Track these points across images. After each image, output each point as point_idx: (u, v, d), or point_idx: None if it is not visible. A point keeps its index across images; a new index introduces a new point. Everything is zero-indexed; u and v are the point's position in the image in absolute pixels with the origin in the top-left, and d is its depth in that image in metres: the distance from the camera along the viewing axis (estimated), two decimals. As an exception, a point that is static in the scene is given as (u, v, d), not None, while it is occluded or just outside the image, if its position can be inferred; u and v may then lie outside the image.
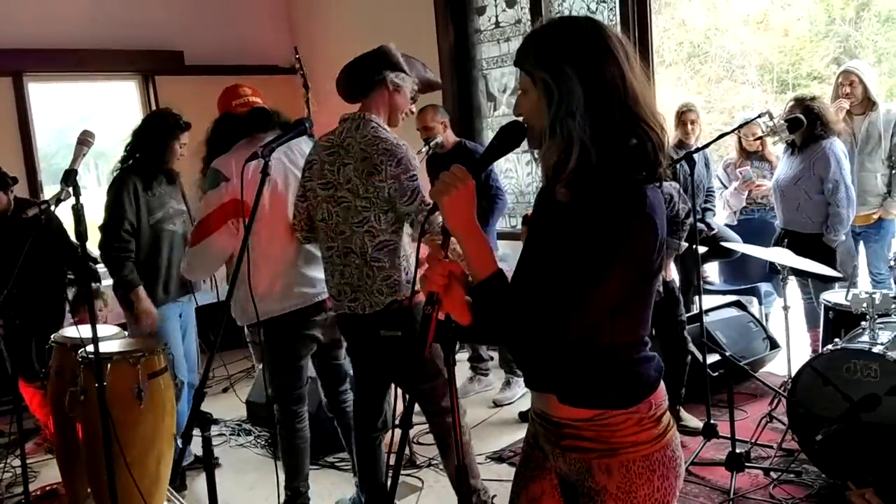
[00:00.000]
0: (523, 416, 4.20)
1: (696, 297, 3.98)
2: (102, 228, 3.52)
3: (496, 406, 4.42)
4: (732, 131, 3.68)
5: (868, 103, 4.42)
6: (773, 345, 4.45)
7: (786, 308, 3.63)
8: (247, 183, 2.46)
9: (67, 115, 6.04)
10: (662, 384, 1.56)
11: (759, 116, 3.53)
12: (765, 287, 5.08)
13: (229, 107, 3.18)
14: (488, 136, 5.51)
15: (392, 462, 1.56)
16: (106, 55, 5.68)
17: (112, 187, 3.56)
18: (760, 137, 4.86)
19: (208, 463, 1.75)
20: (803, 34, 14.29)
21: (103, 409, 2.26)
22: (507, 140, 1.54)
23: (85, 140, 2.40)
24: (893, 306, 3.21)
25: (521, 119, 1.53)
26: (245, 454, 4.08)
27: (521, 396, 4.46)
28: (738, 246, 3.69)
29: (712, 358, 3.92)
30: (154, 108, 6.04)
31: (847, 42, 13.45)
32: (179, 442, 2.48)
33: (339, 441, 3.85)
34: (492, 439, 3.96)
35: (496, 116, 5.45)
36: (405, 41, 5.61)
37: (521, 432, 3.98)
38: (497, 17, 5.30)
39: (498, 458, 3.76)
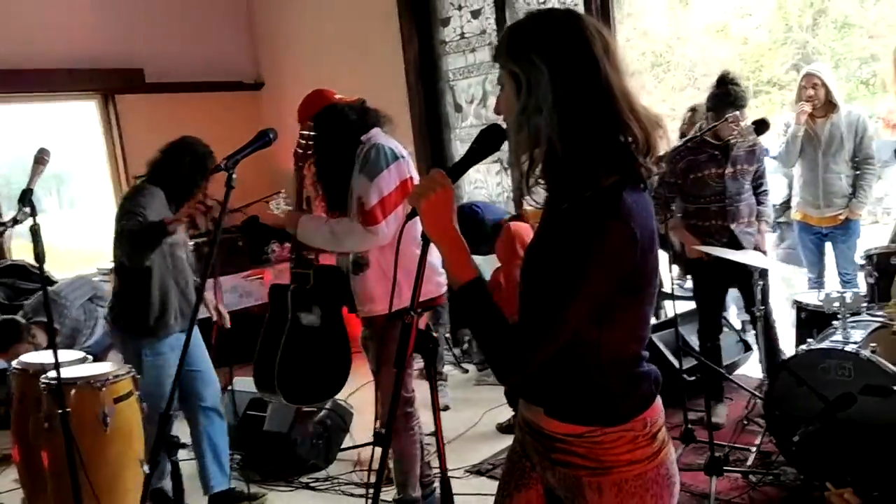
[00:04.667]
0: (501, 429, 4.16)
1: (670, 303, 3.99)
2: (118, 227, 3.15)
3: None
4: (701, 135, 3.69)
5: (830, 106, 4.47)
6: (747, 348, 4.47)
7: (759, 310, 3.64)
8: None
9: (25, 137, 5.90)
10: (659, 399, 1.49)
11: (726, 120, 3.55)
12: (735, 293, 5.10)
13: (331, 100, 3.02)
14: (456, 146, 5.50)
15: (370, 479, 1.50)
16: (64, 74, 5.57)
17: (132, 192, 3.31)
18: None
19: (177, 488, 1.68)
20: (762, 42, 14.57)
21: (68, 435, 2.17)
22: (486, 143, 1.50)
23: (41, 159, 2.34)
24: (864, 305, 3.23)
25: (500, 120, 1.49)
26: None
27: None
28: (712, 249, 3.70)
29: (687, 363, 3.91)
30: (115, 127, 5.94)
31: (805, 48, 13.73)
32: (146, 468, 2.40)
33: (309, 462, 3.79)
34: (470, 453, 3.90)
35: (463, 127, 5.44)
36: (370, 54, 5.63)
37: (499, 444, 3.95)
38: (462, 28, 5.30)
39: (476, 471, 3.70)
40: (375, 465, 1.51)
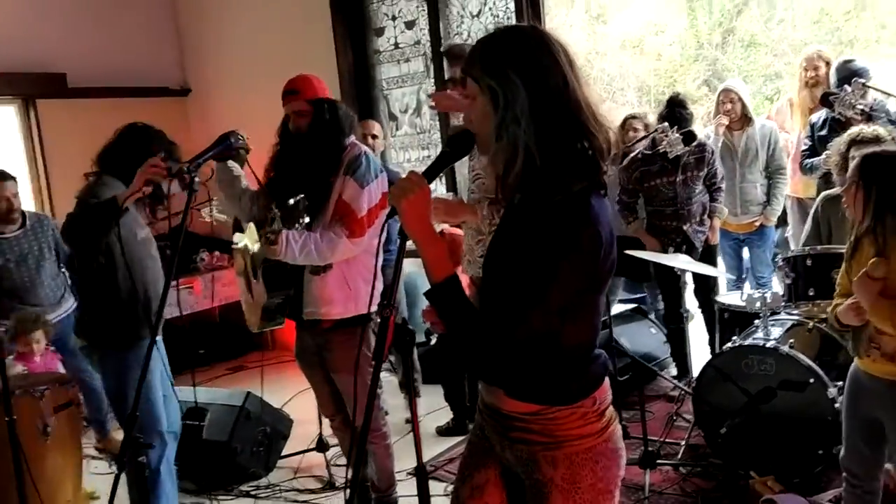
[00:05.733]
0: (441, 431, 4.21)
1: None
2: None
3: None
4: (639, 140, 3.88)
5: (746, 119, 4.74)
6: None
7: (685, 311, 3.83)
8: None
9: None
10: (607, 380, 1.62)
11: (656, 132, 3.75)
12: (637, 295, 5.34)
13: (326, 93, 2.93)
14: (391, 155, 5.55)
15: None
16: (-20, 78, 5.35)
17: (86, 187, 2.88)
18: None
19: (142, 489, 1.68)
20: (675, 58, 15.20)
21: (14, 443, 2.12)
22: (457, 147, 1.59)
23: None
24: (782, 304, 3.45)
25: (469, 126, 1.57)
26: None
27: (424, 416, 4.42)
28: (640, 253, 3.89)
29: (620, 363, 4.08)
30: (35, 134, 5.72)
31: (715, 65, 14.40)
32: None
33: (250, 470, 3.76)
34: (411, 455, 3.93)
35: (398, 136, 5.50)
36: (303, 62, 5.60)
37: (439, 447, 4.01)
38: (396, 38, 5.37)
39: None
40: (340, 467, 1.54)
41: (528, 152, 1.45)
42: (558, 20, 14.67)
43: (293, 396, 4.54)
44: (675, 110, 4.21)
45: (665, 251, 4.16)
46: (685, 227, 4.31)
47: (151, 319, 2.61)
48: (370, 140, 4.46)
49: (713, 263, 4.32)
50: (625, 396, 3.96)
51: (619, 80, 14.43)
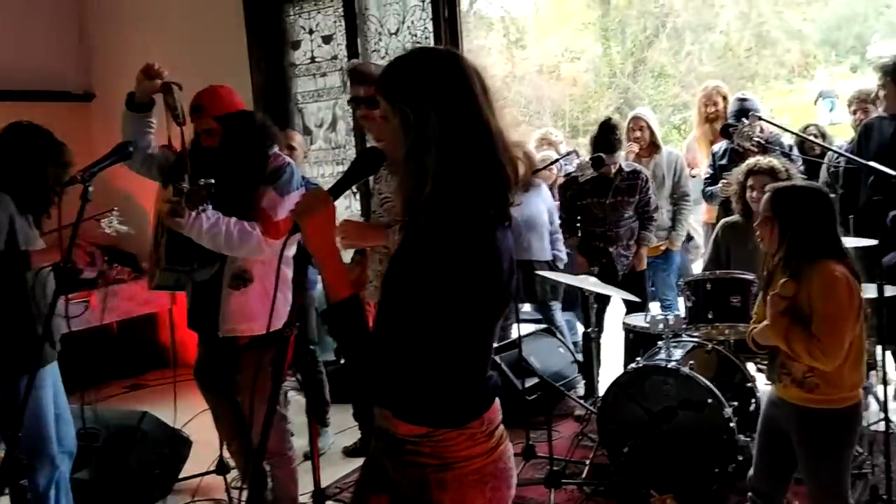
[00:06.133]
0: (347, 452, 4.14)
1: (514, 325, 4.19)
2: None
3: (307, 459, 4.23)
4: (544, 168, 3.94)
5: (654, 147, 4.91)
6: (580, 368, 4.75)
7: (593, 332, 3.90)
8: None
9: None
10: (497, 401, 1.62)
11: (568, 155, 3.83)
12: (566, 316, 5.43)
13: (243, 104, 2.81)
14: (306, 171, 5.45)
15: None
16: None
17: None
18: (567, 175, 5.23)
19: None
20: (590, 84, 15.68)
21: None
22: (365, 164, 1.57)
23: None
24: (684, 326, 3.56)
25: (380, 145, 1.56)
26: None
27: (331, 444, 4.33)
28: (549, 274, 3.95)
29: (529, 382, 4.11)
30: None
31: (627, 93, 14.92)
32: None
33: (146, 493, 3.59)
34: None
35: (313, 151, 5.42)
36: (215, 73, 5.44)
37: (346, 468, 3.94)
38: (313, 52, 5.31)
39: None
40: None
41: (436, 178, 1.44)
42: (477, 42, 14.94)
43: (194, 416, 4.37)
44: (608, 135, 4.31)
45: (590, 271, 4.20)
46: (611, 250, 4.43)
47: (52, 337, 2.45)
48: (287, 151, 4.36)
49: (638, 289, 4.38)
50: (532, 416, 3.98)
51: (535, 104, 14.75)
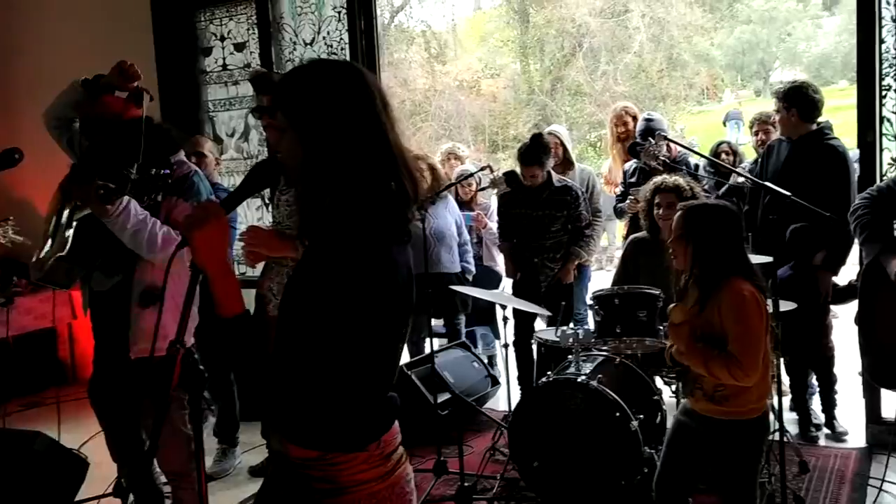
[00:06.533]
0: (254, 472, 4.02)
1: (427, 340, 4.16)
2: None
3: (214, 479, 4.03)
4: (461, 180, 3.94)
5: (567, 163, 4.99)
6: (495, 382, 4.77)
7: (505, 346, 3.91)
8: None
9: None
10: (396, 423, 1.57)
11: (482, 170, 3.85)
12: (481, 330, 5.46)
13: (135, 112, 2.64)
14: (216, 180, 5.30)
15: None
16: None
17: None
18: (482, 189, 5.28)
19: None
20: (509, 101, 15.95)
21: None
22: (261, 176, 1.52)
23: None
24: (593, 340, 3.61)
25: (278, 157, 1.51)
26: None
27: (238, 464, 4.19)
28: (461, 288, 3.95)
29: (441, 397, 4.09)
30: None
31: (545, 110, 15.24)
32: None
33: None
34: (222, 497, 3.73)
35: (224, 160, 5.27)
36: (122, 78, 5.24)
37: (251, 488, 3.81)
38: (224, 59, 5.18)
39: (228, 517, 3.55)
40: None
41: (334, 192, 1.41)
42: (398, 56, 14.99)
43: (90, 438, 4.17)
44: (535, 149, 4.38)
45: (514, 276, 4.45)
46: (535, 260, 4.50)
47: None
48: (196, 159, 4.22)
49: (561, 302, 4.39)
50: (446, 432, 3.96)
51: (455, 118, 14.89)
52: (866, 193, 2.42)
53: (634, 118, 5.09)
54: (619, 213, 4.86)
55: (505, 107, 15.86)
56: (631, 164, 4.73)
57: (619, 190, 4.93)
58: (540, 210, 4.46)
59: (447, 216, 4.77)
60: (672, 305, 2.42)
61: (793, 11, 20.11)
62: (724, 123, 14.73)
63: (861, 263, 2.47)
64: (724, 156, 5.46)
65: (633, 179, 4.65)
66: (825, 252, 3.76)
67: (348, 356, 1.41)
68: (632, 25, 14.37)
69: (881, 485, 3.40)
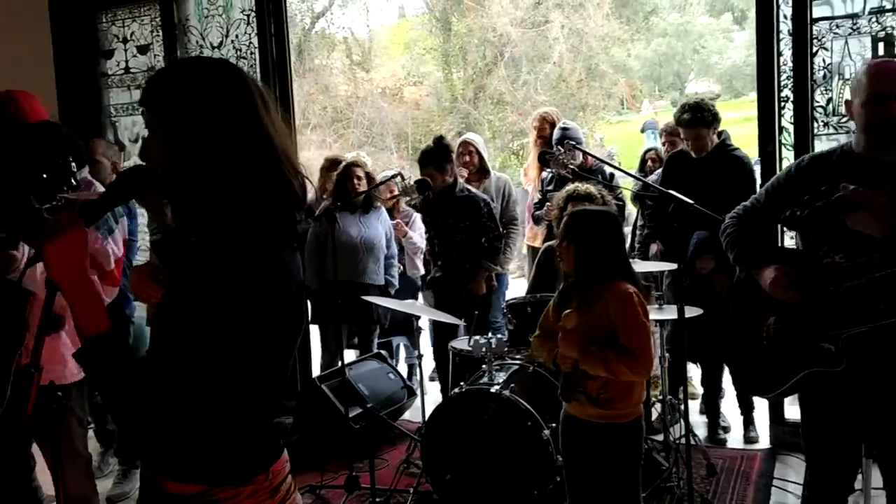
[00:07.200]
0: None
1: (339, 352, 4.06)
2: None
3: (115, 502, 3.82)
4: (371, 189, 3.87)
5: (483, 172, 4.98)
6: (411, 393, 4.70)
7: (419, 357, 3.86)
8: None
9: None
10: (285, 451, 1.47)
11: (393, 177, 3.79)
12: (398, 340, 5.39)
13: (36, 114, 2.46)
14: (118, 188, 5.09)
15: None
16: None
17: None
18: (394, 196, 5.22)
19: None
20: (432, 108, 15.97)
21: None
22: (128, 184, 1.40)
23: None
24: (506, 349, 3.59)
25: (146, 163, 1.40)
26: None
27: (138, 488, 3.98)
28: (375, 299, 3.88)
29: (354, 411, 4.00)
30: None
31: (468, 119, 15.30)
32: None
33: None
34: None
35: (127, 167, 5.06)
36: (16, 79, 4.98)
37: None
38: (127, 62, 4.98)
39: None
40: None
41: (211, 197, 1.31)
42: (319, 62, 14.81)
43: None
44: (437, 153, 4.30)
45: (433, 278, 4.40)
46: (442, 265, 4.46)
47: None
48: (89, 166, 4.00)
49: (477, 311, 4.35)
50: (359, 445, 3.87)
51: (378, 126, 14.81)
52: (734, 213, 2.50)
53: (553, 125, 5.12)
54: (536, 221, 4.88)
55: (428, 114, 15.86)
56: (549, 173, 4.76)
57: (536, 198, 4.96)
58: (442, 219, 4.40)
59: (378, 227, 4.69)
60: (566, 312, 2.42)
61: (706, 25, 20.85)
62: (642, 132, 15.15)
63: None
64: (650, 163, 5.58)
65: (550, 187, 4.67)
66: (713, 256, 3.80)
67: (234, 376, 1.28)
68: (552, 36, 14.59)
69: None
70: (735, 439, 4.17)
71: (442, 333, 4.49)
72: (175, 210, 1.38)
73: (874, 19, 3.58)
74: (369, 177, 4.60)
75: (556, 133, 4.74)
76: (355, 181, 4.49)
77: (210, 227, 1.34)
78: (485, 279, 4.43)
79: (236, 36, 4.64)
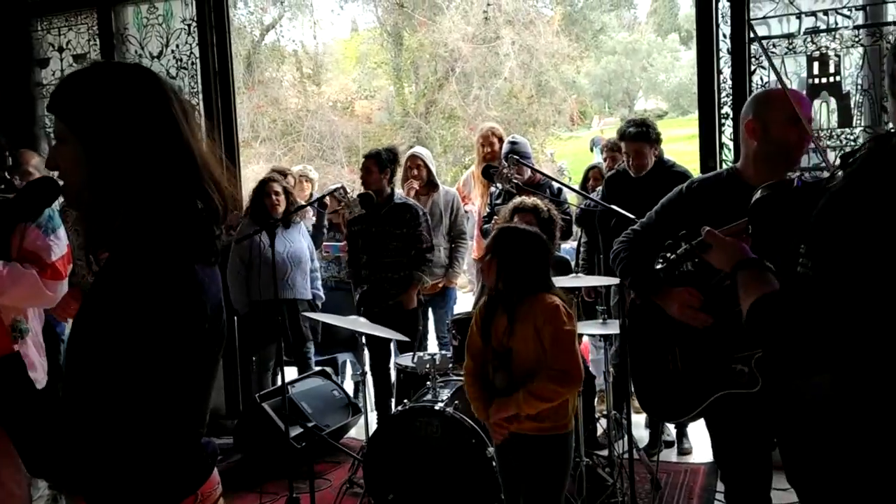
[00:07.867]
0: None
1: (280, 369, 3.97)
2: None
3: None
4: (313, 202, 3.81)
5: (432, 185, 4.96)
6: (356, 410, 4.62)
7: (363, 374, 3.79)
8: None
9: None
10: (216, 472, 1.42)
11: (335, 191, 3.74)
12: (344, 356, 5.30)
13: None
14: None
15: None
16: None
17: None
18: (336, 210, 5.15)
19: None
20: (384, 122, 15.93)
21: None
22: (32, 198, 1.32)
23: None
24: (451, 366, 3.55)
25: (55, 174, 1.33)
26: None
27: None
28: (318, 315, 3.80)
29: (296, 430, 3.91)
30: None
31: (420, 133, 15.29)
32: None
33: None
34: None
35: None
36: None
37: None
38: (63, 71, 4.83)
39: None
40: None
41: (124, 210, 1.25)
42: (269, 73, 14.64)
43: None
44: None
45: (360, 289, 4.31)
46: (374, 277, 4.39)
47: None
48: (17, 177, 3.85)
49: (410, 327, 4.30)
50: (301, 465, 3.78)
51: (329, 139, 14.69)
52: (623, 236, 2.50)
53: (500, 139, 5.12)
54: (485, 234, 4.86)
55: (380, 128, 15.82)
56: (495, 187, 4.75)
57: (484, 211, 4.94)
58: (377, 226, 4.36)
59: (301, 241, 4.66)
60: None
61: (653, 44, 21.29)
62: (591, 149, 15.36)
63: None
64: (592, 181, 5.61)
65: (498, 201, 4.66)
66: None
67: (148, 399, 1.22)
68: (502, 52, 14.70)
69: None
70: (671, 452, 4.20)
71: (378, 350, 4.44)
72: (85, 222, 1.31)
73: (809, 39, 3.67)
74: (287, 192, 4.56)
75: (506, 147, 4.74)
76: (273, 197, 4.46)
77: (120, 241, 1.28)
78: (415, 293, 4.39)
79: (177, 46, 4.54)
